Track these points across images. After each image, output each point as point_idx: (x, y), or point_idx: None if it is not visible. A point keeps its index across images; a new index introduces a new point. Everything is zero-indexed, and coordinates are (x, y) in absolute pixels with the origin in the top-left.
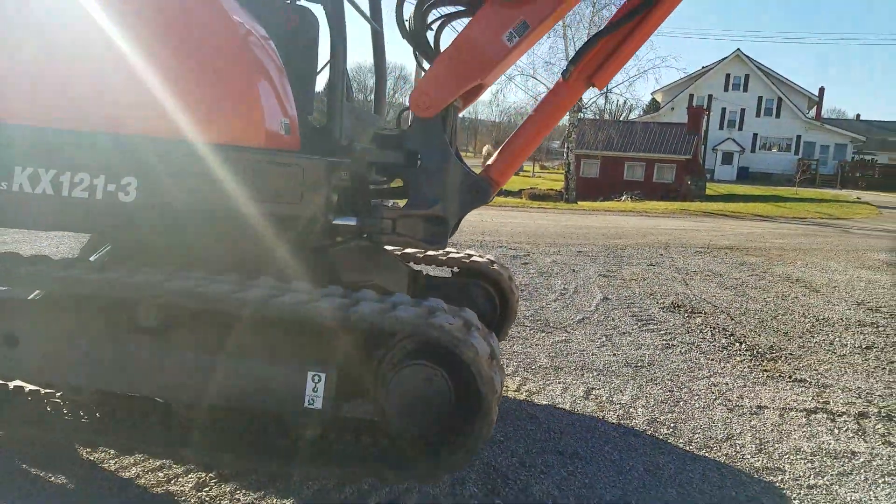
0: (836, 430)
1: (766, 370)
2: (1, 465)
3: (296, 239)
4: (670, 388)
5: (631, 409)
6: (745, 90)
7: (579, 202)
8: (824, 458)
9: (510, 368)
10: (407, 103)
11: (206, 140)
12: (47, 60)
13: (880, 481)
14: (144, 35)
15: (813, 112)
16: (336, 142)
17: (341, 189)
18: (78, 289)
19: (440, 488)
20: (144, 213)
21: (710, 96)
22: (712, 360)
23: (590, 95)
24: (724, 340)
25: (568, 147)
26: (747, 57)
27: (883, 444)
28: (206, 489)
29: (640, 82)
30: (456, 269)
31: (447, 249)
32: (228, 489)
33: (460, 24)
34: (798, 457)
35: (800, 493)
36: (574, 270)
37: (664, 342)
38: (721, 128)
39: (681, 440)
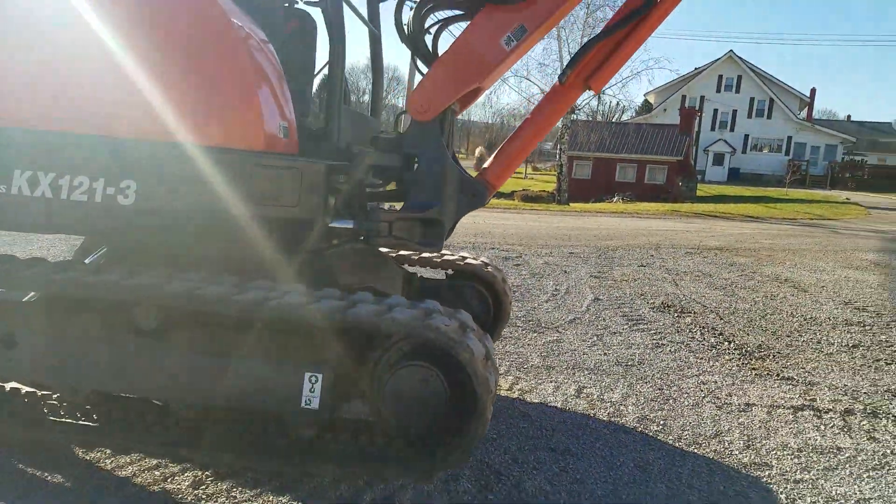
0: (822, 427)
1: (754, 368)
2: None
3: (293, 242)
4: (660, 387)
5: (621, 407)
6: (738, 91)
7: (571, 204)
8: (811, 454)
9: (503, 368)
10: (400, 105)
11: (205, 143)
12: (47, 64)
13: (865, 476)
14: (144, 38)
15: (804, 113)
16: (334, 145)
17: (338, 192)
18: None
19: (434, 485)
20: (143, 216)
21: (702, 97)
22: (701, 358)
23: (583, 97)
24: (713, 339)
25: (560, 148)
26: (740, 58)
27: (868, 439)
28: (203, 487)
29: (632, 83)
30: (450, 272)
31: (441, 252)
32: (225, 487)
33: (457, 28)
34: (785, 452)
35: (787, 488)
36: (566, 271)
37: (654, 341)
38: (713, 129)
39: (670, 437)
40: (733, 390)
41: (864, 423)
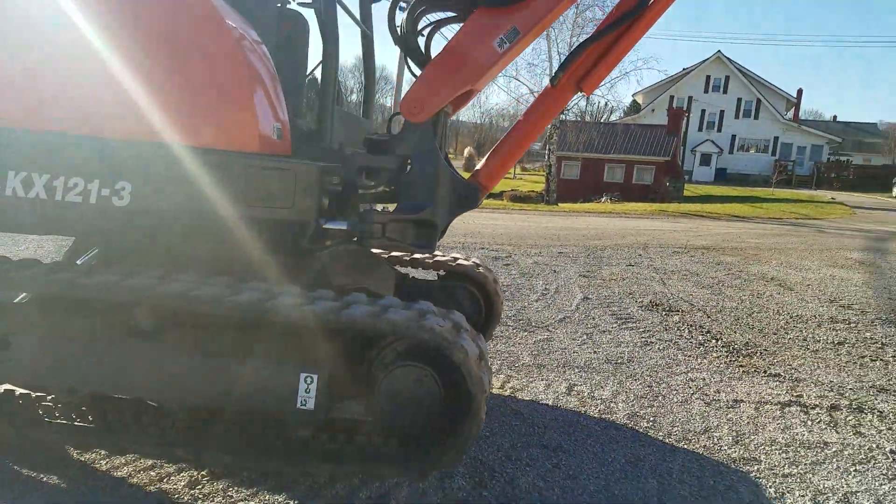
0: (809, 422)
1: (741, 366)
2: None
3: (287, 243)
4: (649, 384)
5: (612, 404)
6: (725, 92)
7: (560, 204)
8: (798, 449)
9: (494, 366)
10: (388, 104)
11: (199, 145)
12: (41, 65)
13: (851, 469)
14: (139, 40)
15: (791, 113)
16: (327, 146)
17: (332, 193)
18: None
19: (429, 482)
20: (138, 217)
21: (690, 98)
22: (690, 356)
23: (572, 98)
24: (700, 337)
25: (549, 149)
26: (727, 59)
27: (854, 434)
28: (199, 486)
29: (621, 84)
30: (442, 273)
31: (433, 252)
32: (221, 486)
33: (450, 30)
34: (773, 447)
35: (775, 482)
36: (555, 271)
37: (643, 340)
38: (700, 129)
39: (660, 433)
40: (721, 387)
41: (850, 418)
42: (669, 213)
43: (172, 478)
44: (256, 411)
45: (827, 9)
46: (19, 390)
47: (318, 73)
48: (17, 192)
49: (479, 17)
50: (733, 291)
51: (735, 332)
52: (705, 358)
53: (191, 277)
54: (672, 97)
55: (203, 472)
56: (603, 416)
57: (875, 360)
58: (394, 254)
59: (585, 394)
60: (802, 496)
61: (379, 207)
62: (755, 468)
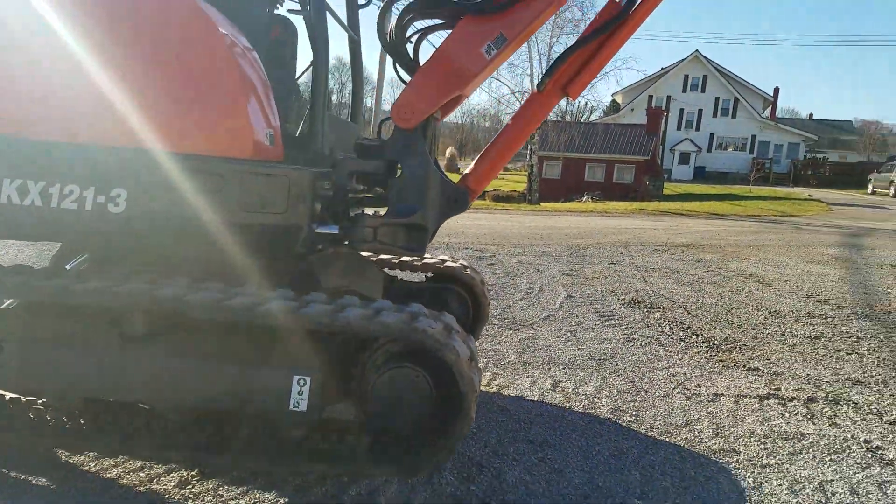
0: (787, 414)
1: (721, 360)
2: None
3: (280, 248)
4: (632, 379)
5: (596, 400)
6: (703, 91)
7: (542, 203)
8: (776, 440)
9: (480, 364)
10: (369, 104)
11: (194, 152)
12: (36, 74)
13: (827, 459)
14: (133, 48)
15: (768, 112)
16: (318, 151)
17: (323, 198)
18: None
19: (418, 478)
20: (133, 223)
21: (668, 97)
22: (671, 351)
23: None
24: (681, 333)
25: (531, 149)
26: (705, 58)
27: (830, 426)
28: (190, 486)
29: (601, 84)
30: (430, 274)
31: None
32: (211, 486)
33: (437, 37)
34: (752, 439)
35: (754, 472)
36: (539, 270)
37: (625, 336)
38: (679, 128)
39: (643, 426)
40: (702, 381)
41: (827, 410)
42: (650, 212)
43: (162, 478)
44: (249, 413)
45: (804, 8)
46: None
47: (305, 78)
48: (12, 199)
49: (466, 25)
50: (713, 288)
51: (715, 328)
52: (686, 353)
53: (186, 282)
54: (651, 97)
55: (193, 472)
56: (587, 411)
57: (851, 354)
58: (382, 256)
59: (570, 390)
60: (780, 485)
61: (371, 212)
62: (734, 459)
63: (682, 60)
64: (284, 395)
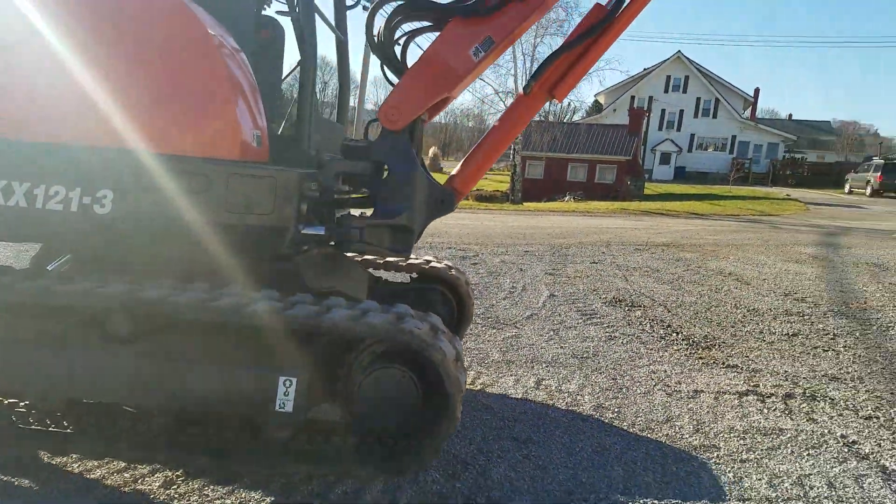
0: (765, 410)
1: (701, 358)
2: None
3: (266, 249)
4: (614, 377)
5: (578, 397)
6: (685, 92)
7: (525, 203)
8: (755, 436)
9: (465, 363)
10: (353, 104)
11: (181, 153)
12: (24, 75)
13: (805, 454)
14: (121, 50)
15: (748, 112)
16: (304, 152)
17: (310, 199)
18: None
19: (404, 477)
20: (119, 224)
21: (650, 98)
22: (652, 349)
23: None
24: (662, 331)
25: (514, 149)
26: (687, 59)
27: (807, 421)
28: (175, 486)
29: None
30: (415, 275)
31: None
32: (197, 486)
33: (424, 39)
34: (731, 435)
35: (734, 467)
36: (522, 269)
37: (607, 334)
38: (660, 129)
39: (625, 423)
40: (682, 378)
41: (804, 405)
42: (631, 212)
43: (147, 479)
44: (235, 414)
45: (785, 10)
46: None
47: (288, 78)
48: None
49: (454, 27)
50: (693, 287)
51: (694, 326)
52: (666, 351)
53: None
54: (633, 97)
55: (178, 473)
56: (570, 408)
57: (827, 351)
58: (367, 257)
59: (553, 387)
60: (759, 480)
61: (356, 213)
62: (715, 454)
63: (665, 61)
64: (270, 396)
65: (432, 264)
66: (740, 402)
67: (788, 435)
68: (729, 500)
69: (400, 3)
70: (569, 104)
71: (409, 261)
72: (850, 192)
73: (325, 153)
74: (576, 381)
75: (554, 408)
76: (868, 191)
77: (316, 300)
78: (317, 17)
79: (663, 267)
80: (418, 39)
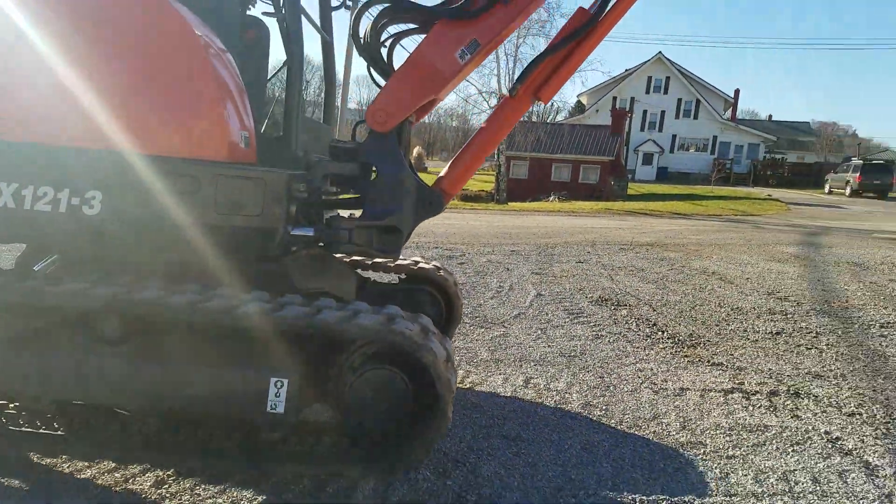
0: (750, 407)
1: (686, 356)
2: None
3: (255, 250)
4: (601, 375)
5: (567, 395)
6: (666, 92)
7: (510, 203)
8: (741, 432)
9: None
10: (336, 103)
11: (169, 154)
12: (12, 76)
13: (790, 450)
14: (109, 51)
15: (729, 113)
16: (292, 153)
17: (298, 200)
18: None
19: (395, 477)
20: (108, 226)
21: (632, 98)
22: (638, 348)
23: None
24: (647, 330)
25: (499, 149)
26: (668, 60)
27: (791, 417)
28: (166, 486)
29: (567, 85)
30: (403, 276)
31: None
32: (188, 485)
33: (411, 41)
34: (717, 431)
35: (720, 463)
36: (508, 269)
37: (594, 333)
38: (642, 129)
39: (612, 420)
40: (668, 376)
41: (788, 402)
42: (615, 212)
43: (138, 478)
44: (227, 416)
45: (764, 11)
46: None
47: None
48: None
49: (441, 30)
50: (677, 286)
51: (680, 325)
52: (652, 349)
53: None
54: (615, 98)
55: (169, 472)
56: (559, 406)
57: (810, 349)
58: (355, 258)
59: (542, 386)
60: (745, 475)
61: (346, 214)
62: (701, 451)
63: (646, 62)
64: (262, 397)
65: (421, 265)
66: (726, 400)
67: (773, 431)
68: (715, 495)
69: (386, 5)
70: (552, 105)
71: (398, 262)
72: (830, 193)
73: (312, 154)
74: (564, 380)
75: (543, 406)
76: (847, 191)
77: (305, 301)
78: (303, 17)
79: (648, 266)
80: (404, 41)
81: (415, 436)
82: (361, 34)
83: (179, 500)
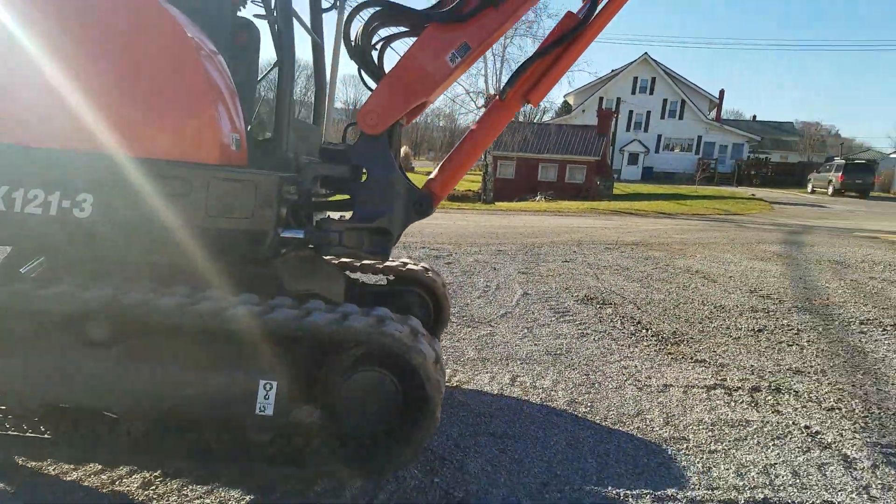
0: (732, 403)
1: (670, 353)
2: None
3: (245, 252)
4: (586, 373)
5: (552, 393)
6: (651, 93)
7: (496, 202)
8: (723, 427)
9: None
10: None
11: (161, 157)
12: (1, 78)
13: (770, 444)
14: (100, 53)
15: (713, 113)
16: (283, 155)
17: (289, 202)
18: None
19: (383, 477)
20: (99, 228)
21: (618, 99)
22: (622, 345)
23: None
24: (632, 328)
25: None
26: (654, 61)
27: (772, 413)
28: (153, 487)
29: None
30: (392, 277)
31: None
32: (175, 486)
33: (401, 44)
34: (700, 427)
35: (703, 457)
36: (495, 268)
37: (579, 331)
38: (628, 129)
39: (597, 417)
40: (652, 373)
41: (769, 398)
42: (601, 211)
43: (125, 480)
44: (216, 418)
45: (750, 13)
46: None
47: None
48: None
49: (431, 33)
50: (661, 284)
51: (663, 323)
52: (637, 347)
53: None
54: (601, 98)
55: (156, 473)
56: (544, 403)
57: (792, 346)
58: (343, 259)
59: (528, 384)
60: (727, 469)
61: (336, 216)
62: (684, 446)
63: (632, 63)
64: (251, 399)
65: (409, 266)
66: (708, 396)
67: (755, 426)
68: (698, 489)
69: (377, 8)
70: (539, 105)
71: (387, 264)
72: (813, 192)
73: (302, 156)
74: (550, 378)
75: (529, 403)
76: (830, 190)
77: (295, 304)
78: (294, 20)
79: (633, 265)
80: (395, 44)
81: (404, 436)
82: (352, 37)
83: (167, 500)
